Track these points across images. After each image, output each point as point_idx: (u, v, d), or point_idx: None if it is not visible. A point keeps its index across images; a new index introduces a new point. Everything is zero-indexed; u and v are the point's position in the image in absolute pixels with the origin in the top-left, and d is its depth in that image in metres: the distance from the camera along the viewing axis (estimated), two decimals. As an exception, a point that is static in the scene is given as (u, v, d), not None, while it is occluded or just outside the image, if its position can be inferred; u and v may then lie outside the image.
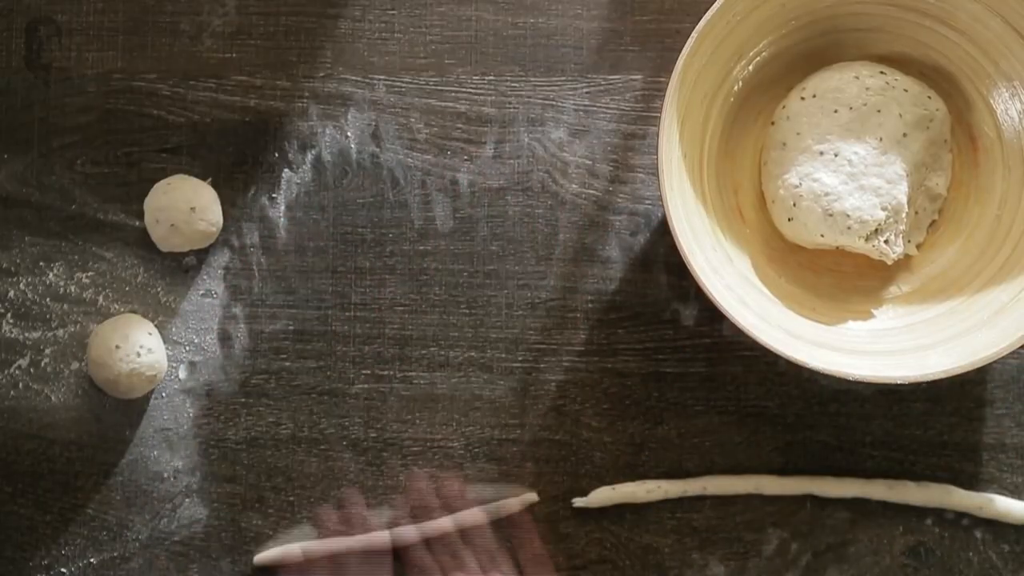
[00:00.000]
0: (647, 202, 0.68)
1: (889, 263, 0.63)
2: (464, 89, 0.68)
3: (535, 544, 0.65)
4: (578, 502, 0.66)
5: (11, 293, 0.67)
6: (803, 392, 0.67)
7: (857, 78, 0.62)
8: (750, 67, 0.64)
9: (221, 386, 0.67)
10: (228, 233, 0.68)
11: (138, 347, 0.64)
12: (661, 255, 0.67)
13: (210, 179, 0.68)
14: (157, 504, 0.67)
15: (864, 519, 0.66)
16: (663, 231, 0.67)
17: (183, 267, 0.68)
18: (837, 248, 0.63)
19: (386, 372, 0.67)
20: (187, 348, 0.67)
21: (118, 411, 0.67)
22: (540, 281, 0.68)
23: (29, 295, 0.67)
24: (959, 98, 0.64)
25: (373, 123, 0.68)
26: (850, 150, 0.62)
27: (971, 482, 0.66)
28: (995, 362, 0.57)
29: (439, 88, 0.68)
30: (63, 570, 0.67)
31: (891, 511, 0.66)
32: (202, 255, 0.68)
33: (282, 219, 0.68)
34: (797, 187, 0.62)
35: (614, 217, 0.68)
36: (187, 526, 0.67)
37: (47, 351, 0.67)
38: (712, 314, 0.64)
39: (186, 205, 0.66)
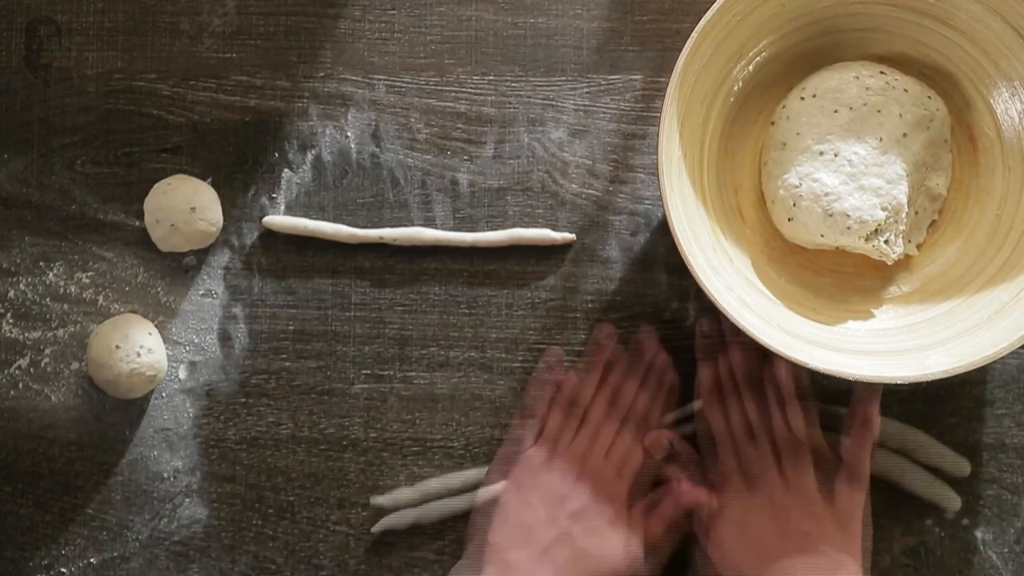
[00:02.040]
0: (647, 202, 0.68)
1: (889, 263, 0.63)
2: (464, 89, 0.68)
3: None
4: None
5: (11, 293, 0.67)
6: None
7: (857, 78, 0.62)
8: (750, 67, 0.64)
9: (221, 386, 0.67)
10: (228, 233, 0.68)
11: (138, 347, 0.64)
12: (661, 255, 0.67)
13: (210, 179, 0.68)
14: (157, 504, 0.67)
15: (863, 519, 0.66)
16: (663, 231, 0.67)
17: (183, 267, 0.68)
18: (837, 248, 0.63)
19: (386, 372, 0.67)
20: (187, 348, 0.67)
21: (118, 411, 0.67)
22: (540, 281, 0.68)
23: (29, 295, 0.67)
24: (959, 98, 0.64)
25: (373, 123, 0.68)
26: (850, 150, 0.61)
27: (971, 482, 0.66)
28: (995, 362, 0.57)
29: (439, 88, 0.68)
30: (63, 570, 0.67)
31: (891, 511, 0.66)
32: (202, 255, 0.68)
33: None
34: (797, 187, 0.62)
35: (614, 217, 0.67)
36: (187, 526, 0.67)
37: (47, 351, 0.67)
38: (712, 314, 0.64)
39: (186, 205, 0.66)
